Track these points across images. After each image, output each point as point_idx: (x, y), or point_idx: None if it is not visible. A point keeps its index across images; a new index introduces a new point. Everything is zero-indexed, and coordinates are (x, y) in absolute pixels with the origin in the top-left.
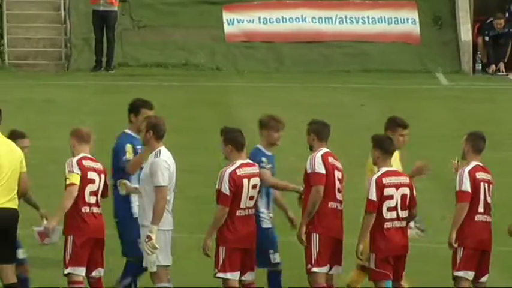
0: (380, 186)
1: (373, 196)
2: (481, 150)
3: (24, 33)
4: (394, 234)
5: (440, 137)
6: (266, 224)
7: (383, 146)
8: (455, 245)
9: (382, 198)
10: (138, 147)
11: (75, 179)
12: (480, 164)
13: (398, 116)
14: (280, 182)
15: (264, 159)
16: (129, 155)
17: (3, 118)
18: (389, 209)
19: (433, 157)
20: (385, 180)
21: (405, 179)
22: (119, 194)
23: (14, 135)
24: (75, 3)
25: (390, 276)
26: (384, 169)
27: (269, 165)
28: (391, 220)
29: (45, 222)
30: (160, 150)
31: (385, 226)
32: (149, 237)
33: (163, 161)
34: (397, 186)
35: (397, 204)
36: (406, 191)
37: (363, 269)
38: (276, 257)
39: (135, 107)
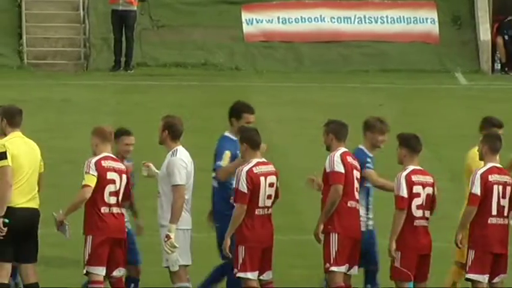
0: (410, 184)
1: (404, 193)
2: (498, 150)
3: (43, 33)
4: (421, 232)
5: (459, 136)
6: (366, 227)
7: (410, 144)
8: (461, 246)
9: (411, 195)
10: (238, 152)
11: (90, 180)
12: (497, 165)
13: (493, 116)
14: (389, 183)
15: (369, 159)
16: (224, 162)
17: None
18: (417, 207)
19: (452, 157)
20: (414, 178)
21: (430, 179)
22: (219, 197)
23: (120, 133)
24: (94, 3)
25: (412, 277)
26: (411, 167)
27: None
28: (419, 218)
29: (61, 211)
30: (177, 149)
31: (414, 224)
32: (168, 236)
33: (180, 160)
34: (424, 185)
35: (423, 202)
36: (430, 190)
37: (462, 266)
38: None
39: (237, 111)
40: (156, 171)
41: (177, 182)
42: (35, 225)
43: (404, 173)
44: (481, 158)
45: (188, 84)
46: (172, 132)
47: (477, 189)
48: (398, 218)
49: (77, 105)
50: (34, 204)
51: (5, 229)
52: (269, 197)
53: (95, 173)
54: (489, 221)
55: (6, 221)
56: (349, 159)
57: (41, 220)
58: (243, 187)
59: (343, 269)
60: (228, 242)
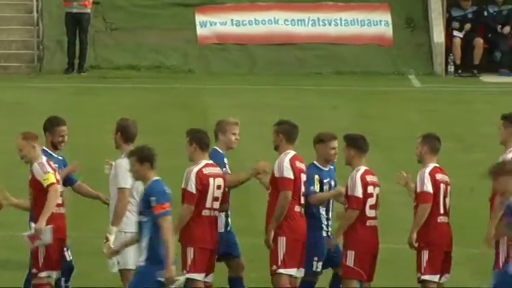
0: (364, 184)
1: (360, 193)
2: (438, 150)
3: None
4: (373, 233)
5: (412, 138)
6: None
7: (358, 145)
8: (415, 245)
9: (365, 195)
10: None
11: (53, 178)
12: (437, 165)
13: None
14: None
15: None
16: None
17: None
18: (370, 207)
19: (405, 159)
20: (368, 178)
21: (377, 179)
22: None
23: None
24: (48, 6)
25: (364, 276)
26: (363, 167)
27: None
28: (372, 219)
29: (33, 225)
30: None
31: (367, 224)
32: (107, 238)
33: (126, 163)
34: (375, 185)
35: (375, 203)
36: (378, 190)
37: None
38: None
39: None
40: None
41: (120, 185)
42: None
43: (359, 174)
44: (419, 160)
45: (142, 86)
46: (124, 134)
47: (429, 188)
48: (350, 218)
49: (30, 108)
50: None
51: None
52: (216, 199)
53: (52, 171)
54: (438, 220)
55: None
56: (298, 163)
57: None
58: (192, 188)
59: (290, 271)
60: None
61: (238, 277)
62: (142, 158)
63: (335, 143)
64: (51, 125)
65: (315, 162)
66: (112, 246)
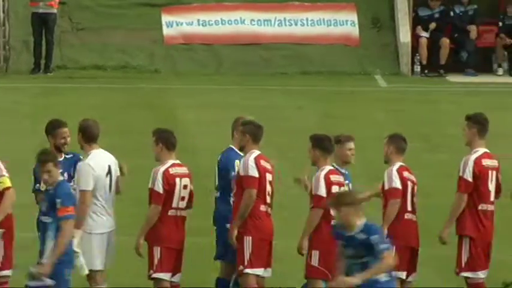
0: (328, 183)
1: (323, 192)
2: (404, 150)
3: None
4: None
5: (378, 138)
6: None
7: (323, 146)
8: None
9: (329, 195)
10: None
11: (8, 182)
12: (404, 164)
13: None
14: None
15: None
16: None
17: None
18: None
19: (371, 159)
20: (332, 178)
21: (342, 178)
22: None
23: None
24: (14, 6)
25: (329, 276)
26: (328, 167)
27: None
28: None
29: None
30: (89, 153)
31: (332, 223)
32: None
33: (87, 165)
34: (340, 185)
35: None
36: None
37: None
38: None
39: None
40: None
41: (81, 187)
42: None
43: (323, 173)
44: (386, 160)
45: (108, 86)
46: (86, 135)
47: (397, 184)
48: (316, 217)
49: None
50: None
51: None
52: (182, 198)
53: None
54: (405, 216)
55: None
56: (263, 162)
57: None
58: (159, 187)
59: (257, 271)
60: (140, 242)
61: (226, 278)
62: (56, 162)
63: (352, 144)
64: (53, 127)
65: (333, 164)
66: (76, 249)
